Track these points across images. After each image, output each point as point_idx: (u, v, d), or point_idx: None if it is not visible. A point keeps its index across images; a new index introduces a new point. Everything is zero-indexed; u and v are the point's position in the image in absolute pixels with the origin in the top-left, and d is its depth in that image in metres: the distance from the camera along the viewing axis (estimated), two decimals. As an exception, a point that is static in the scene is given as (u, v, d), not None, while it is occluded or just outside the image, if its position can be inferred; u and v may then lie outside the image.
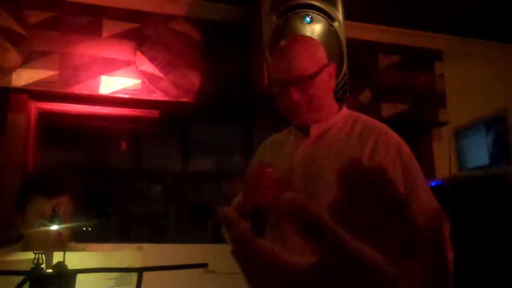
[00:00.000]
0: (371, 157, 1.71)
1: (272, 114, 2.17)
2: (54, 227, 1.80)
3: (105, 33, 3.18)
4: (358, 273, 0.41)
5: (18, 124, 2.97)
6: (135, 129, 3.68)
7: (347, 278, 0.40)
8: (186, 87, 3.26)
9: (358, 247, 0.41)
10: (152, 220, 3.80)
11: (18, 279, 1.26)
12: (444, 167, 3.53)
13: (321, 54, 1.90)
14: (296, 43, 1.90)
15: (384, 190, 1.65)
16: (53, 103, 3.17)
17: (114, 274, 1.49)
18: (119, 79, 3.14)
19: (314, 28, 3.09)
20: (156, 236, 3.73)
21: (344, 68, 3.12)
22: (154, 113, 3.40)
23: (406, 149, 1.77)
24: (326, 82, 1.89)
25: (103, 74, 3.11)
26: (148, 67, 3.20)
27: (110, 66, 3.14)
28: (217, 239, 3.14)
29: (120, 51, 3.19)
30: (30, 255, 1.33)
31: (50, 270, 1.33)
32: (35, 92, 3.01)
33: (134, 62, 3.19)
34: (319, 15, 3.12)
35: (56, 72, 3.02)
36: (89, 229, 2.55)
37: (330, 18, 3.14)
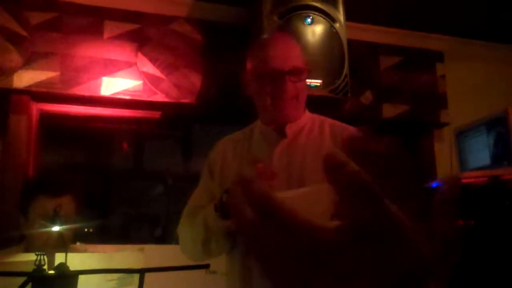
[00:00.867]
0: None
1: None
2: (56, 228, 1.80)
3: (106, 34, 3.18)
4: (389, 236, 0.39)
5: (20, 125, 2.97)
6: (137, 130, 3.69)
7: (378, 241, 0.38)
8: (187, 88, 3.26)
9: (394, 209, 0.39)
10: (153, 221, 3.80)
11: (20, 280, 1.26)
12: (446, 168, 3.54)
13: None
14: (285, 37, 1.90)
15: None
16: (54, 104, 3.17)
17: (116, 275, 1.49)
18: (121, 80, 3.14)
19: (315, 29, 3.09)
20: (158, 237, 3.73)
21: (345, 69, 3.12)
22: (155, 114, 3.40)
23: None
24: (306, 81, 1.90)
25: (104, 75, 3.12)
26: (149, 68, 3.20)
27: (111, 67, 3.14)
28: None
29: (121, 52, 3.19)
30: (32, 256, 1.33)
31: (52, 271, 1.33)
32: (36, 93, 3.02)
33: (135, 63, 3.19)
34: (320, 16, 3.12)
35: (58, 73, 3.02)
36: (91, 230, 2.55)
37: (331, 19, 3.14)
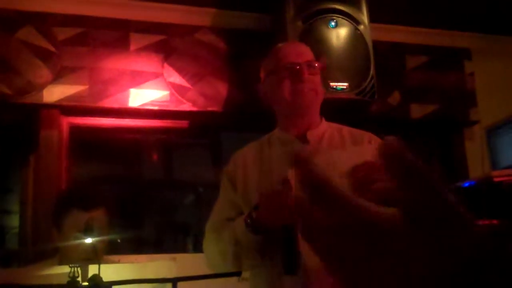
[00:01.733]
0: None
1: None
2: (89, 240, 1.83)
3: (132, 47, 3.22)
4: (446, 221, 0.39)
5: (51, 140, 3.01)
6: (165, 140, 3.71)
7: (434, 226, 0.39)
8: (213, 97, 3.27)
9: (451, 197, 0.40)
10: (185, 230, 3.81)
11: (55, 292, 1.28)
12: (478, 167, 3.48)
13: None
14: (296, 42, 1.95)
15: None
16: (84, 118, 3.21)
17: (149, 285, 1.50)
18: (148, 91, 3.17)
19: (340, 32, 3.08)
20: (190, 246, 3.74)
21: (372, 71, 3.10)
22: (183, 123, 3.42)
23: None
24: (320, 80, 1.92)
25: (132, 87, 3.15)
26: (176, 78, 3.23)
27: (138, 79, 3.17)
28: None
29: (148, 63, 3.22)
30: (66, 269, 1.35)
31: (86, 283, 1.35)
32: (66, 108, 3.06)
33: (162, 74, 3.22)
34: (344, 19, 3.10)
35: (86, 86, 3.07)
36: (120, 241, 2.57)
37: (355, 21, 3.12)
